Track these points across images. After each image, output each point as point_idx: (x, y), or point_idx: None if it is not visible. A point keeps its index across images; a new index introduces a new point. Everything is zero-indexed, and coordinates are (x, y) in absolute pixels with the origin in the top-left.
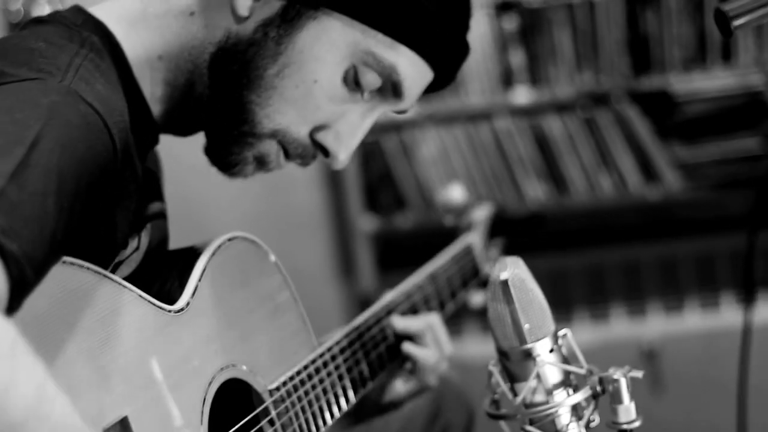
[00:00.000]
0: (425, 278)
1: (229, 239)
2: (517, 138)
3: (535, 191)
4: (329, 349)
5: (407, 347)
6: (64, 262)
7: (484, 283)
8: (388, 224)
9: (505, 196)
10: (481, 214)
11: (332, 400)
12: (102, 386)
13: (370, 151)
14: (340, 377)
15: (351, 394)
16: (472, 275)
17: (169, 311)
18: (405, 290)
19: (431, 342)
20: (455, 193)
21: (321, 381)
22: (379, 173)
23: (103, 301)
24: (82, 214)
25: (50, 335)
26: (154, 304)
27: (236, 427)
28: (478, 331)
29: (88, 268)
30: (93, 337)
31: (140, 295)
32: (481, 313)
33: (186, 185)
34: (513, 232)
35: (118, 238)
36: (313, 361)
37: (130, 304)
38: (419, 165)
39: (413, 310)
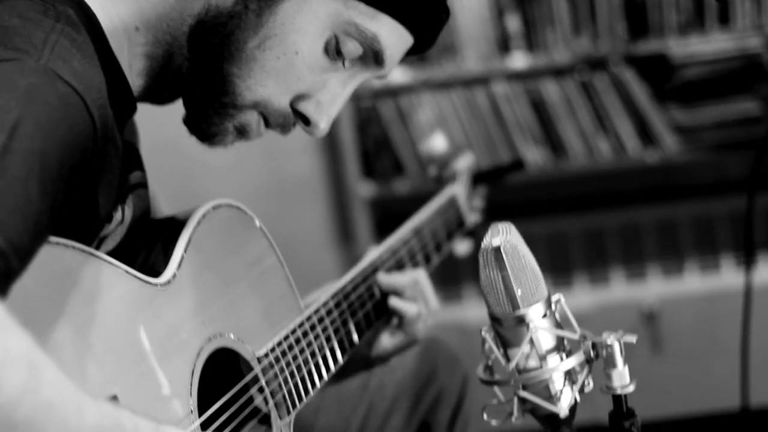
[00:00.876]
0: (410, 232)
1: (214, 207)
2: (514, 103)
3: (533, 156)
4: (316, 312)
5: (394, 302)
6: (49, 242)
7: (469, 233)
8: (385, 190)
9: (503, 161)
10: (464, 163)
11: (320, 362)
12: (90, 366)
13: (366, 118)
14: (328, 339)
15: (339, 355)
16: (456, 226)
17: (156, 285)
18: (390, 246)
19: (418, 296)
20: (437, 142)
21: (309, 344)
22: (376, 139)
23: (89, 279)
24: (66, 196)
25: (37, 317)
26: (140, 279)
27: (225, 396)
28: (477, 295)
29: (73, 247)
30: (80, 316)
31: (126, 271)
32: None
33: (184, 155)
34: (495, 177)
35: (101, 213)
36: (301, 325)
37: (116, 281)
38: (416, 131)
39: (399, 266)
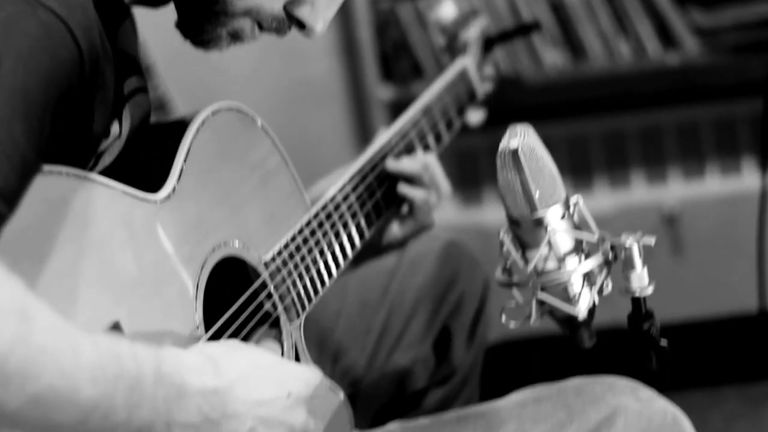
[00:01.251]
0: (419, 112)
1: (213, 113)
2: (533, 4)
3: (553, 58)
4: (324, 208)
5: (403, 189)
6: (41, 172)
7: (481, 103)
8: (404, 93)
9: (522, 63)
10: (475, 31)
11: (330, 260)
12: (90, 293)
13: (385, 20)
14: (336, 235)
15: (349, 250)
16: (468, 100)
17: (155, 201)
18: (399, 129)
19: (428, 182)
20: (447, 9)
21: (317, 243)
22: (395, 42)
23: (85, 205)
24: (54, 126)
25: (33, 250)
26: (138, 198)
27: (230, 310)
28: (497, 198)
29: (66, 174)
30: (77, 244)
31: (123, 192)
32: None
33: (203, 62)
34: (509, 38)
35: (97, 130)
36: (308, 224)
37: (112, 203)
38: (435, 32)
39: (409, 150)
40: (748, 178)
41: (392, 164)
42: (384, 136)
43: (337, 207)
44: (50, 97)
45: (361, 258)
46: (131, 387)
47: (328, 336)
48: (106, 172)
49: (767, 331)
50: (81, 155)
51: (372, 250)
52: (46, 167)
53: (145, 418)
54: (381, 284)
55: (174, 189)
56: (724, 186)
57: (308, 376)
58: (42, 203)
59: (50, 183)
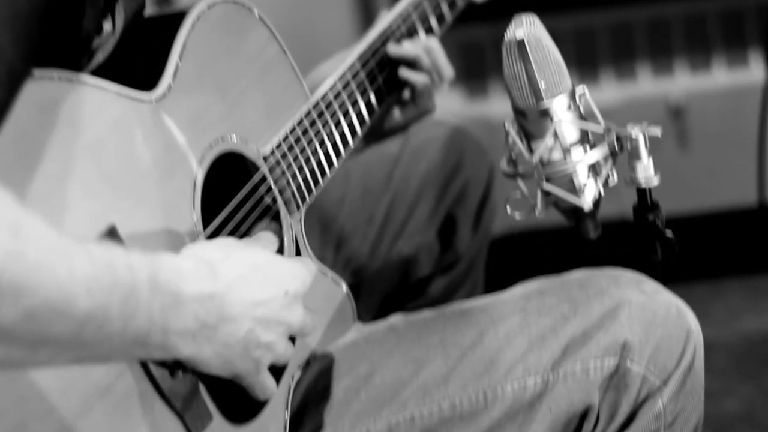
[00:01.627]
0: None
1: (208, 6)
2: None
3: None
4: (323, 97)
5: (404, 73)
6: (31, 77)
7: None
8: None
9: None
10: None
11: (330, 150)
12: (84, 199)
13: None
14: (337, 124)
15: (349, 138)
16: None
17: (150, 101)
18: (401, 11)
19: (430, 65)
20: None
21: (317, 133)
22: None
23: (78, 108)
24: (43, 28)
25: (26, 156)
26: (132, 98)
27: (228, 207)
28: (503, 90)
29: (58, 78)
30: (71, 148)
31: (117, 93)
32: None
33: None
34: None
35: (89, 28)
36: (307, 114)
37: (106, 106)
38: None
39: (410, 33)
40: (755, 71)
41: (393, 48)
42: (385, 20)
43: (337, 95)
44: (37, 2)
45: (363, 145)
46: (126, 297)
47: (330, 223)
48: (100, 70)
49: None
50: (73, 55)
51: (374, 136)
52: (37, 72)
53: (141, 328)
54: (384, 171)
55: (169, 87)
56: (731, 78)
57: (305, 272)
58: (33, 109)
59: (41, 88)
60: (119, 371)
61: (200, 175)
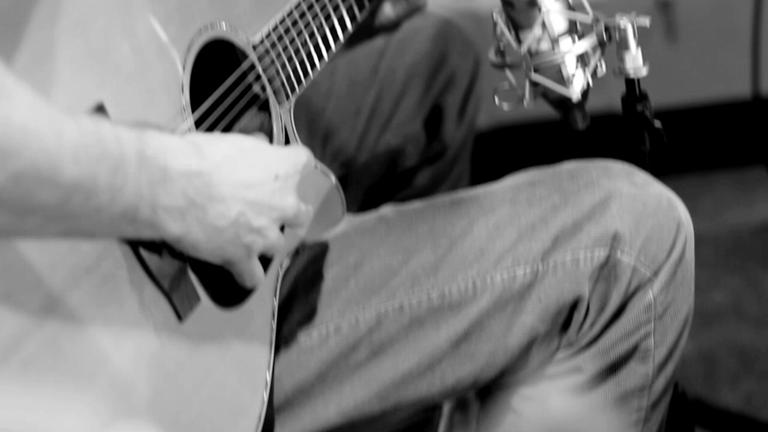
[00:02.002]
0: None
1: None
2: None
3: None
4: None
5: None
6: None
7: None
8: None
9: None
10: None
11: (320, 43)
12: (73, 76)
13: None
14: (327, 17)
15: (339, 32)
16: None
17: None
18: None
19: None
20: None
21: (307, 25)
22: None
23: None
24: None
25: (10, 32)
26: None
27: (219, 90)
28: None
29: None
30: (58, 25)
31: None
32: None
33: None
34: None
35: None
36: (297, 6)
37: None
38: None
39: None
40: None
41: None
42: None
43: None
44: None
45: (353, 41)
46: (114, 168)
47: (318, 117)
48: None
49: (760, 116)
50: None
51: (365, 32)
52: None
53: (129, 202)
54: (370, 64)
55: None
56: None
57: (295, 157)
58: None
59: None
60: (107, 249)
61: (190, 59)
